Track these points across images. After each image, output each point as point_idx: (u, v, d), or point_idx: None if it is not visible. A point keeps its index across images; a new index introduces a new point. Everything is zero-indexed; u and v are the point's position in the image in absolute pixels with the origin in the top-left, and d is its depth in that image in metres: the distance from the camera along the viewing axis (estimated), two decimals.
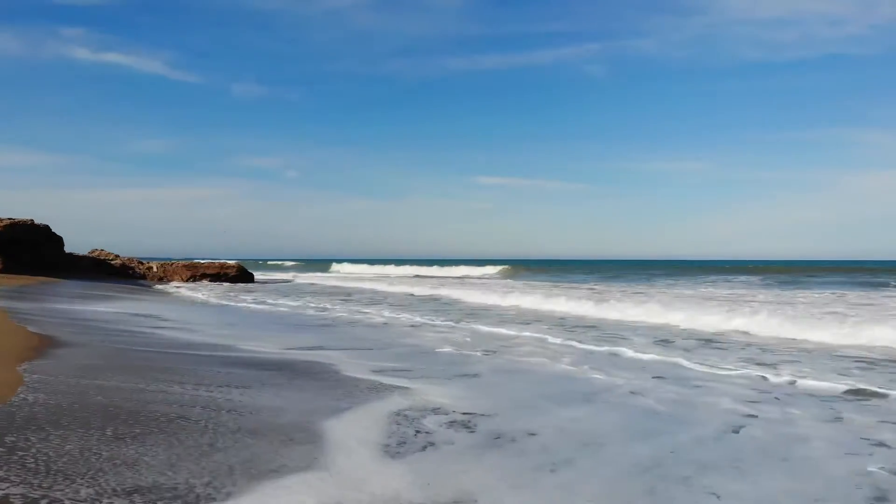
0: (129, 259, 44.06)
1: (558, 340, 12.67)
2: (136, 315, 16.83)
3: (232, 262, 48.97)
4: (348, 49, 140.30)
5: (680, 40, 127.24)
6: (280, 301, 25.23)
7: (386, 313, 19.32)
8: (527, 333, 13.89)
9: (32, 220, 40.14)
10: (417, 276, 67.99)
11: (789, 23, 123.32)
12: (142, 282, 43.15)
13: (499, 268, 76.23)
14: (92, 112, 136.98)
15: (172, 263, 46.15)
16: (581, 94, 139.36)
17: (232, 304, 24.02)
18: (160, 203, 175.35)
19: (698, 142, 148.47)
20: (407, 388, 7.53)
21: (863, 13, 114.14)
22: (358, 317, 18.26)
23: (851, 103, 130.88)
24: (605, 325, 15.79)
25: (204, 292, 31.56)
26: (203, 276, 46.94)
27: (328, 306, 22.40)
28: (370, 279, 53.16)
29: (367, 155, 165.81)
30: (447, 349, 11.40)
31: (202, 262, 47.73)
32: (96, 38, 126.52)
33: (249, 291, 32.84)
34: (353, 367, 9.05)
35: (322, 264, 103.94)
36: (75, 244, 47.08)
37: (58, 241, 40.59)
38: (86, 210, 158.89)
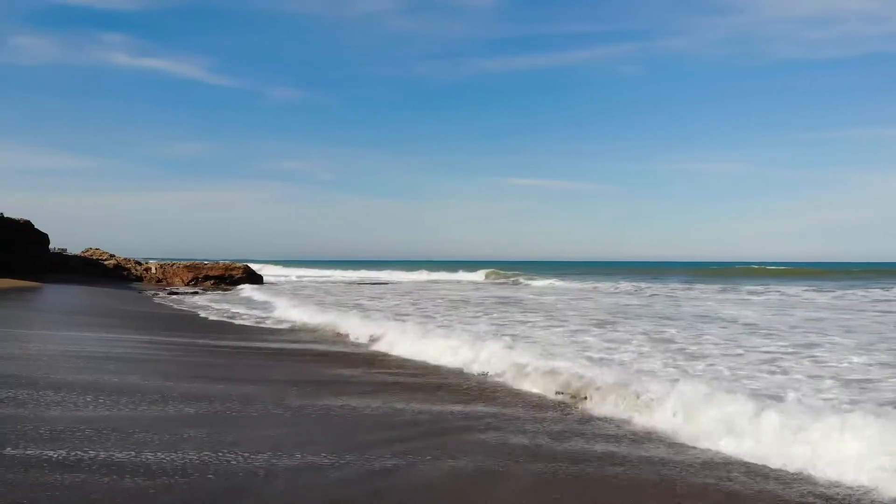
0: (124, 259, 37.92)
1: None
2: None
3: (238, 264, 43.34)
4: (383, 52, 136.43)
5: (715, 39, 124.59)
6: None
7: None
8: None
9: (1, 214, 33.89)
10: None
11: (827, 21, 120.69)
12: (135, 285, 37.10)
13: (486, 271, 71.46)
14: (130, 116, 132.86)
15: (173, 264, 40.20)
16: (615, 95, 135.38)
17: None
18: (195, 205, 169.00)
19: (734, 142, 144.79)
20: None
21: None
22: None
23: (894, 102, 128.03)
24: None
25: (237, 305, 25.90)
26: (206, 279, 41.31)
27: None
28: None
29: (400, 157, 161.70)
30: None
31: (205, 262, 41.91)
32: (136, 43, 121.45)
33: (291, 306, 27.16)
34: None
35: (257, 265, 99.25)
36: (105, 247, 40.91)
37: (41, 238, 34.37)
38: (124, 212, 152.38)
